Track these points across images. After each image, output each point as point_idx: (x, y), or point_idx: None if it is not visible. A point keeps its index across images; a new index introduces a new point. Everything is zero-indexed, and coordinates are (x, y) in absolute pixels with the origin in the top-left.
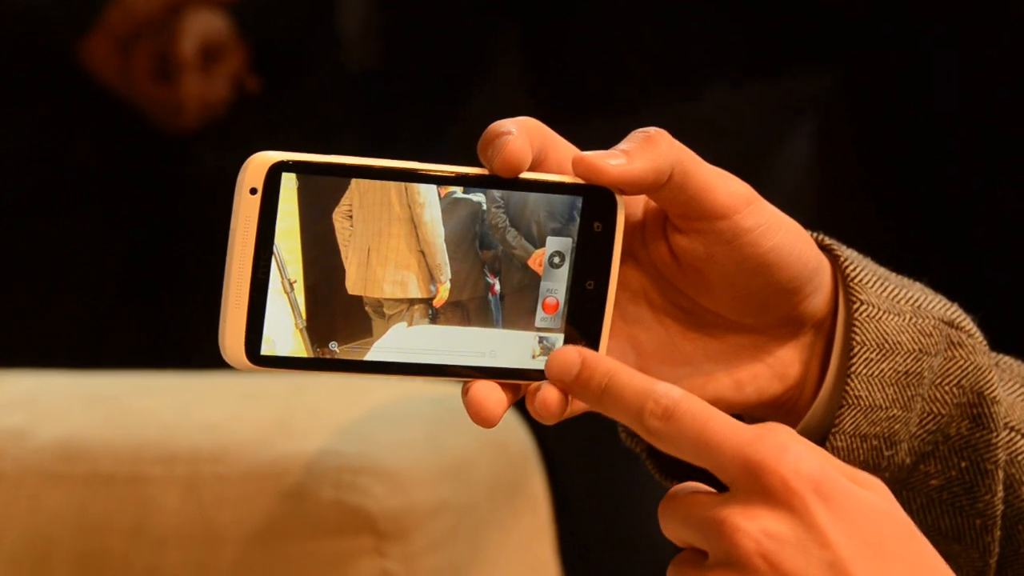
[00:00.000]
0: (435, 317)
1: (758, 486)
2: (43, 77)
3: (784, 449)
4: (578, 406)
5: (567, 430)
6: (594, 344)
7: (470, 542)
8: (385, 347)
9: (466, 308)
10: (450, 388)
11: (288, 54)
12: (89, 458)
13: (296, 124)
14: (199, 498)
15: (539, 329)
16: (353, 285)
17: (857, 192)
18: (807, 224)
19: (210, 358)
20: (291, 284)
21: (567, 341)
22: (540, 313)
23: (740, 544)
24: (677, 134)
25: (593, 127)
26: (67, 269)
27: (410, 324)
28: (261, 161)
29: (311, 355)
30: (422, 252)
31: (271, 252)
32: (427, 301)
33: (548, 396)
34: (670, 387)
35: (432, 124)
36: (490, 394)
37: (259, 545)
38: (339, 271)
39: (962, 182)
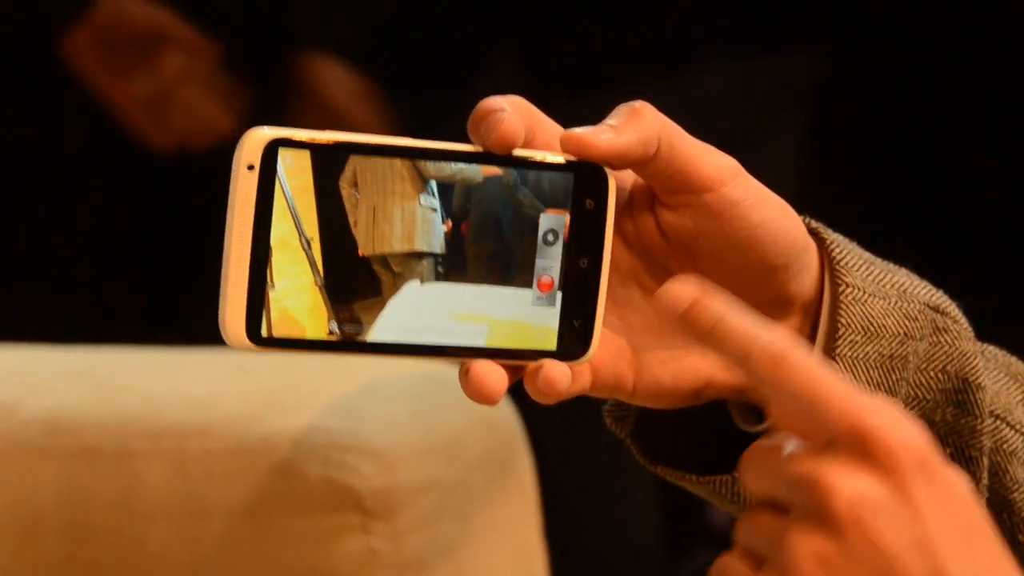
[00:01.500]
0: (446, 273)
1: (863, 449)
2: (40, 58)
3: (895, 419)
4: (577, 387)
5: (554, 410)
6: (589, 322)
7: (457, 520)
8: (397, 307)
9: (479, 264)
10: (440, 365)
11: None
12: (76, 432)
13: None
14: (186, 473)
15: (535, 307)
16: (364, 245)
17: (845, 173)
18: (795, 203)
19: (196, 333)
20: (308, 242)
21: (563, 319)
22: (536, 291)
23: (833, 501)
24: (669, 112)
25: (586, 104)
26: (57, 244)
27: (423, 281)
28: (258, 137)
29: (330, 312)
30: (432, 208)
31: (270, 229)
32: (435, 255)
33: (552, 374)
34: (783, 334)
35: (430, 105)
36: (490, 372)
37: (246, 521)
38: (349, 234)
39: (953, 167)
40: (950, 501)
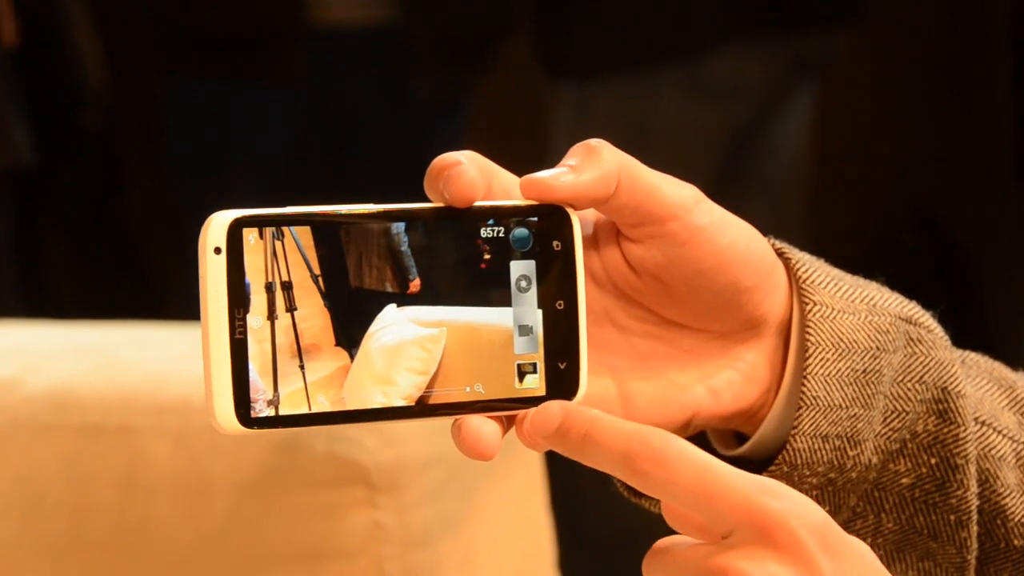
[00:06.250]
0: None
1: (763, 535)
2: None
3: (790, 499)
4: None
5: None
6: (574, 362)
7: (462, 495)
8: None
9: (459, 318)
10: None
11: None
12: (79, 408)
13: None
14: (189, 449)
15: (518, 356)
16: (353, 279)
17: (858, 154)
18: (809, 183)
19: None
20: (317, 277)
21: (548, 364)
22: (517, 339)
23: None
24: (686, 93)
25: (601, 86)
26: (59, 221)
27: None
28: (221, 220)
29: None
30: (405, 272)
31: (246, 308)
32: (413, 316)
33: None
34: (656, 430)
35: (443, 90)
36: (483, 427)
37: (251, 496)
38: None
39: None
40: (857, 571)
